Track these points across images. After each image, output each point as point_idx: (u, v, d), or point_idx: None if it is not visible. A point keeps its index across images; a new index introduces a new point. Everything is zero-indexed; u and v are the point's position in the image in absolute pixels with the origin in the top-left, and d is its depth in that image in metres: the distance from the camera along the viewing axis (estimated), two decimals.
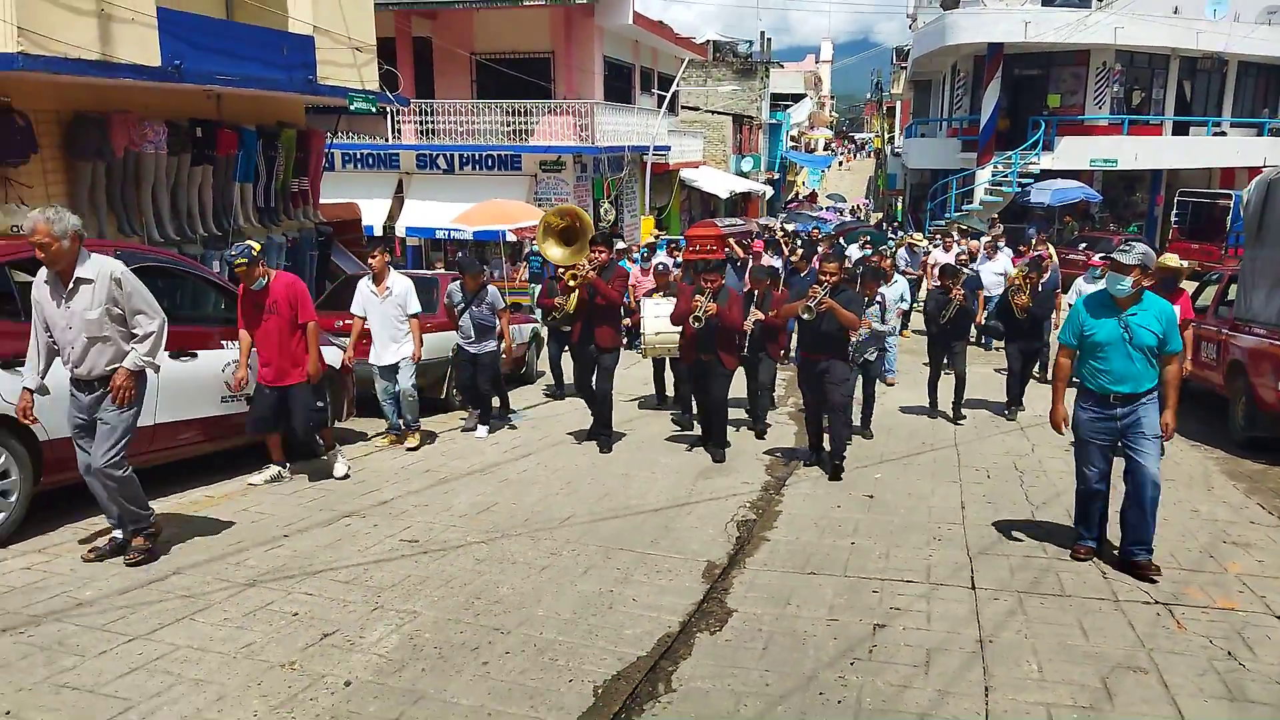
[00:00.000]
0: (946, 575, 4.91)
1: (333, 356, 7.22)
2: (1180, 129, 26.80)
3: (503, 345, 8.40)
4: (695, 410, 8.20)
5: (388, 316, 7.56)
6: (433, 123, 20.32)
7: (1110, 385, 4.91)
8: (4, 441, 4.90)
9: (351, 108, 11.00)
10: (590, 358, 7.67)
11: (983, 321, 10.57)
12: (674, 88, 23.69)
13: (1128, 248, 4.87)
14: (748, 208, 36.23)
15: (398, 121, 19.87)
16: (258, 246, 6.21)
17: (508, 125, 20.14)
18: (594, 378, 7.70)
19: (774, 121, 44.73)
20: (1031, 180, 24.89)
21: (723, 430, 7.69)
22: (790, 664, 3.81)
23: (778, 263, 12.69)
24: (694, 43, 30.91)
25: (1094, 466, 5.08)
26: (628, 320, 10.14)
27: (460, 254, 18.76)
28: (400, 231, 19.62)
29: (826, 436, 7.34)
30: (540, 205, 19.17)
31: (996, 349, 12.61)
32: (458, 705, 3.39)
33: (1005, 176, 25.33)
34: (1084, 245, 20.49)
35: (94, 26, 7.63)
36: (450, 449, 7.70)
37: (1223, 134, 27.20)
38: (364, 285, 7.67)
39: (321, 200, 12.01)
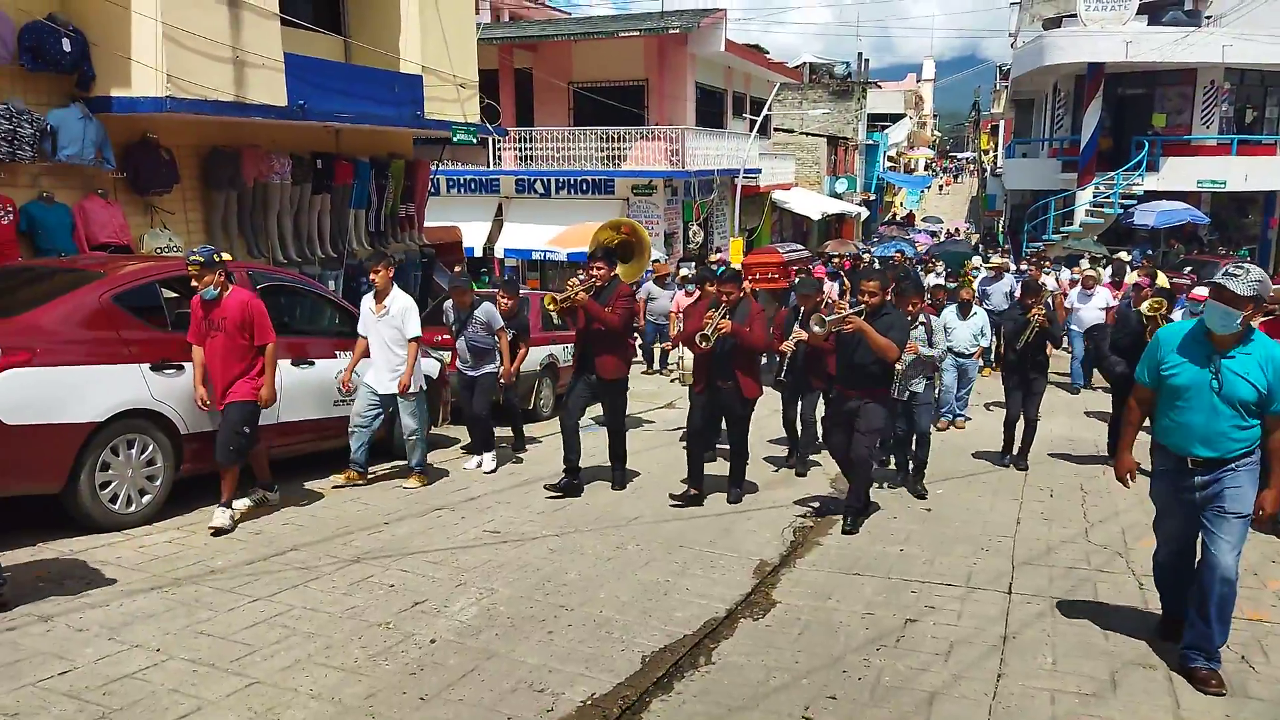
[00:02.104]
0: (986, 581, 5.21)
1: (430, 367, 7.94)
2: None
3: (502, 368, 7.61)
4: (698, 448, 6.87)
5: (385, 338, 6.78)
6: (531, 149, 21.30)
7: (1186, 445, 3.88)
8: (152, 434, 5.73)
9: (455, 140, 11.86)
10: (590, 390, 6.80)
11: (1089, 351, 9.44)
12: (765, 112, 24.12)
13: (1239, 271, 3.74)
14: (842, 229, 36.24)
15: (498, 148, 20.92)
16: (228, 256, 5.89)
17: (602, 151, 20.95)
18: (605, 414, 7.05)
19: (870, 142, 44.62)
20: (1135, 202, 24.30)
21: (742, 469, 6.85)
22: (821, 648, 4.23)
23: (834, 290, 12.21)
24: (787, 67, 31.31)
25: (1166, 544, 4.19)
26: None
27: (507, 274, 19.31)
28: (499, 253, 20.65)
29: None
30: None
31: (1100, 389, 11.58)
32: (524, 663, 3.94)
33: (1107, 197, 24.79)
34: (1189, 269, 19.95)
35: (230, 71, 8.60)
36: (532, 455, 8.31)
37: None
38: (365, 302, 6.94)
39: (426, 224, 12.94)
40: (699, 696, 3.73)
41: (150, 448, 5.72)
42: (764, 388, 6.86)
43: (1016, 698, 3.75)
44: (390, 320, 6.76)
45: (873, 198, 44.52)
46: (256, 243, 9.88)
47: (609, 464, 7.19)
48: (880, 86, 55.67)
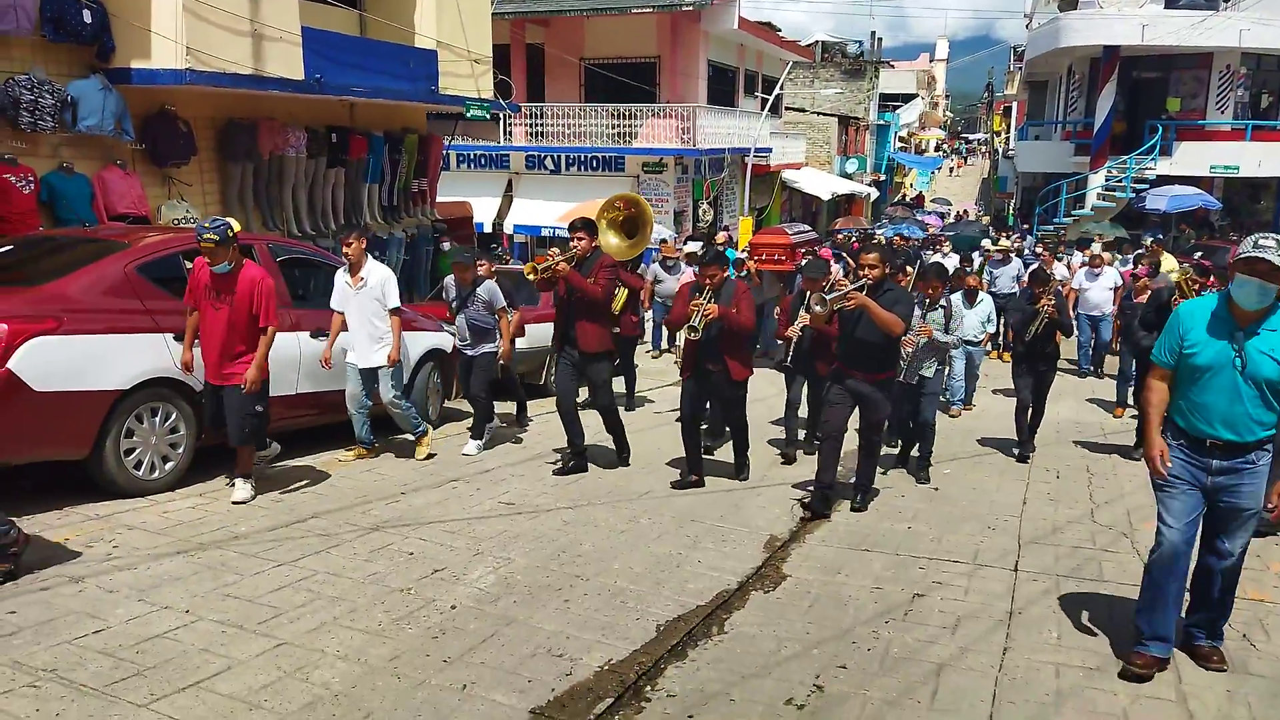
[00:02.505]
0: (993, 559, 5.30)
1: (444, 341, 8.03)
2: None
3: (502, 347, 7.40)
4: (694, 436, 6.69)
5: (364, 311, 6.60)
6: (542, 125, 21.29)
7: (1205, 427, 3.69)
8: (175, 402, 5.84)
9: (468, 115, 11.90)
10: (573, 365, 6.64)
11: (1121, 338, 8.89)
12: (777, 90, 24.04)
13: (1269, 241, 3.50)
14: (851, 209, 36.19)
15: (509, 124, 20.92)
16: (237, 226, 5.59)
17: (613, 128, 20.92)
18: (589, 393, 6.83)
19: (882, 122, 44.40)
20: (1147, 186, 24.22)
21: (744, 447, 6.82)
22: (831, 620, 4.33)
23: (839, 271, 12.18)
24: (799, 45, 31.12)
25: (1174, 522, 3.78)
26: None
27: (515, 250, 18.89)
28: (508, 229, 20.69)
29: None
30: None
31: (1108, 376, 11.39)
32: (541, 629, 4.06)
33: (1119, 181, 24.72)
34: (1200, 255, 19.91)
35: (248, 45, 8.65)
36: (545, 430, 8.41)
37: None
38: (340, 276, 6.71)
39: (437, 199, 12.99)
40: (713, 664, 3.84)
41: (173, 415, 5.83)
42: (756, 369, 6.79)
43: (1022, 671, 3.85)
44: (369, 292, 6.58)
45: (883, 178, 44.37)
46: (271, 215, 9.96)
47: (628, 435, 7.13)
48: (893, 66, 55.31)
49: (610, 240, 7.39)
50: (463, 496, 6.08)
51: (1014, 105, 49.57)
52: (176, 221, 8.77)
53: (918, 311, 6.93)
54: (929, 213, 35.48)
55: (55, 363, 5.20)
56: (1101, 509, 6.45)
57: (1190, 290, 6.98)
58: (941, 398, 9.57)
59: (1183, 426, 3.82)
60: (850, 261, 12.95)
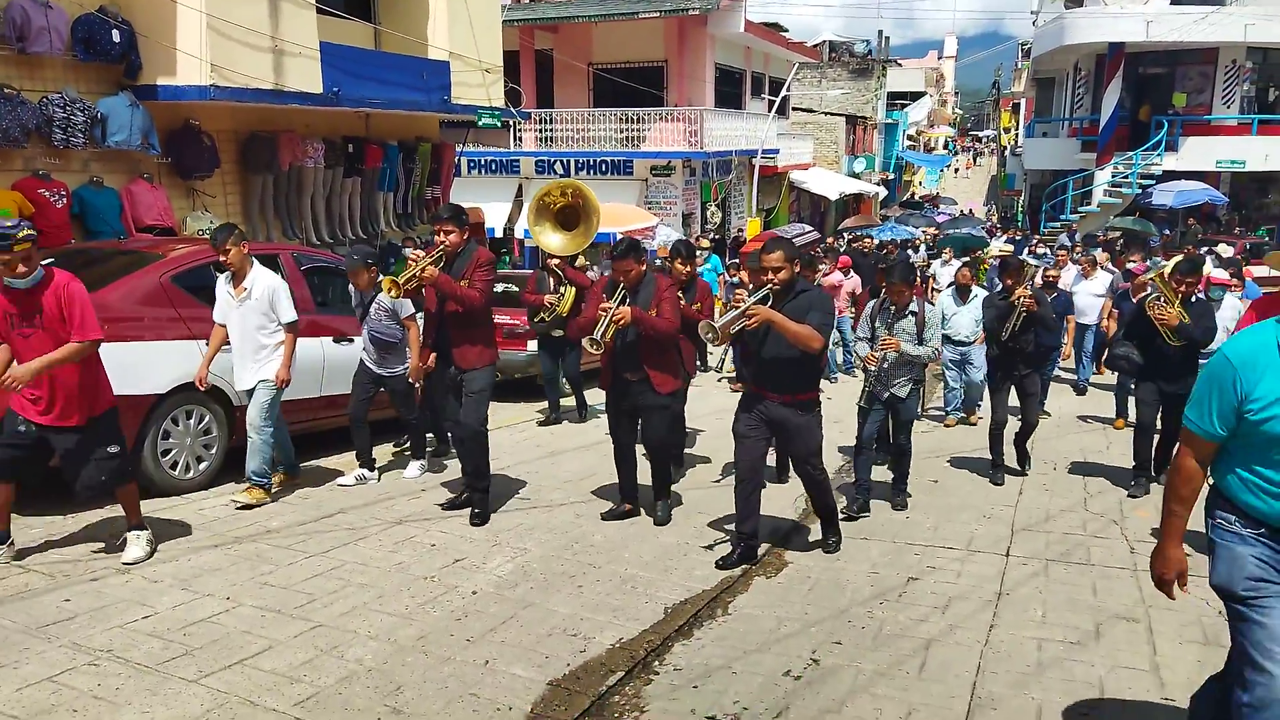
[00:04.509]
0: (986, 545, 5.56)
1: None
2: None
3: (411, 366, 6.29)
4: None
5: (247, 325, 5.70)
6: (551, 130, 21.61)
7: None
8: (208, 406, 6.17)
9: (480, 123, 12.22)
10: (450, 381, 5.58)
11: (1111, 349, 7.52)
12: (784, 92, 24.28)
13: None
14: (860, 208, 36.39)
15: (519, 130, 21.25)
16: (26, 232, 4.27)
17: (621, 132, 21.23)
18: (462, 410, 5.56)
19: (890, 121, 44.56)
20: (1153, 182, 24.35)
21: (665, 478, 5.77)
22: (828, 601, 4.60)
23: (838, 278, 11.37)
24: (806, 46, 31.36)
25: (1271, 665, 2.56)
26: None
27: (526, 254, 17.82)
28: (519, 233, 21.00)
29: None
30: (650, 208, 20.23)
31: (1097, 387, 10.70)
32: (557, 612, 4.35)
33: (1125, 178, 24.85)
34: (1206, 249, 20.05)
35: (269, 61, 9.00)
36: (560, 429, 8.70)
37: None
38: (221, 286, 5.80)
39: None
40: (716, 641, 4.12)
41: (207, 418, 6.15)
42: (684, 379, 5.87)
43: (1006, 645, 4.11)
44: (253, 305, 5.67)
45: (891, 177, 44.51)
46: (291, 224, 10.31)
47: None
48: (901, 64, 55.41)
49: (548, 235, 6.55)
50: None
51: (1022, 102, 49.62)
52: (201, 232, 9.12)
53: (879, 324, 6.12)
54: (938, 211, 35.49)
55: None
56: (1094, 498, 6.69)
57: (1173, 292, 6.27)
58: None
59: (1254, 510, 2.68)
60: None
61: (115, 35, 8.15)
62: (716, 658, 3.96)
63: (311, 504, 5.96)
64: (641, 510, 5.94)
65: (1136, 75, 25.67)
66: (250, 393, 5.79)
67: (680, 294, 5.77)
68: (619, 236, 17.90)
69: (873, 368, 6.07)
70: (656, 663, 3.91)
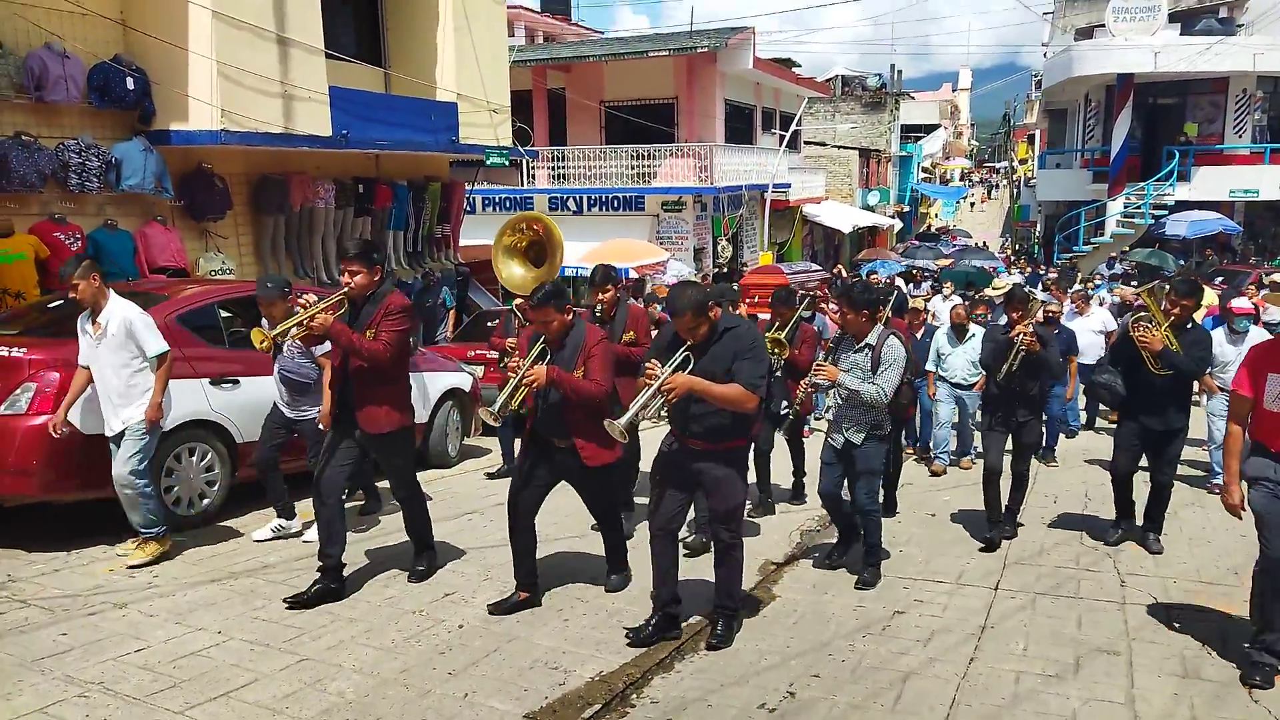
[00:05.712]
0: (976, 579, 5.57)
1: (463, 380, 8.47)
2: None
3: (321, 410, 5.64)
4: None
5: (110, 364, 5.19)
6: (564, 167, 21.94)
7: None
8: (211, 443, 6.31)
9: (487, 162, 12.46)
10: (358, 450, 4.91)
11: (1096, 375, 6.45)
12: (794, 127, 24.55)
13: None
14: (875, 241, 36.49)
15: (532, 167, 21.59)
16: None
17: (632, 168, 21.53)
18: (391, 485, 5.19)
19: (904, 154, 44.79)
20: (1166, 212, 24.33)
21: (618, 547, 5.18)
22: (812, 634, 4.63)
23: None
24: (816, 81, 31.70)
25: None
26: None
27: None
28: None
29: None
30: (661, 243, 20.45)
31: (1101, 430, 10.11)
32: (540, 645, 4.41)
33: (1138, 208, 24.85)
34: (1221, 279, 19.94)
35: (279, 105, 9.25)
36: None
37: None
38: (81, 324, 5.31)
39: (462, 242, 13.55)
40: (695, 674, 4.16)
41: (209, 455, 6.28)
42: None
43: (984, 678, 4.13)
44: (111, 342, 5.17)
45: (906, 209, 44.65)
46: (303, 263, 10.52)
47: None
48: (914, 97, 55.75)
49: (513, 270, 6.21)
50: (477, 527, 6.46)
51: (1036, 133, 49.75)
52: (213, 273, 9.36)
53: (836, 355, 5.35)
54: (951, 244, 35.47)
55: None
56: (1090, 532, 6.67)
57: (1162, 315, 5.70)
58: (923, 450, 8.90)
59: None
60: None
61: (129, 83, 8.43)
62: (694, 690, 4.00)
63: (310, 542, 6.05)
64: (643, 546, 6.00)
65: (1148, 106, 25.76)
66: (113, 439, 5.20)
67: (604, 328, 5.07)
68: (630, 272, 18.16)
69: (799, 395, 5.73)
70: (634, 695, 3.96)
